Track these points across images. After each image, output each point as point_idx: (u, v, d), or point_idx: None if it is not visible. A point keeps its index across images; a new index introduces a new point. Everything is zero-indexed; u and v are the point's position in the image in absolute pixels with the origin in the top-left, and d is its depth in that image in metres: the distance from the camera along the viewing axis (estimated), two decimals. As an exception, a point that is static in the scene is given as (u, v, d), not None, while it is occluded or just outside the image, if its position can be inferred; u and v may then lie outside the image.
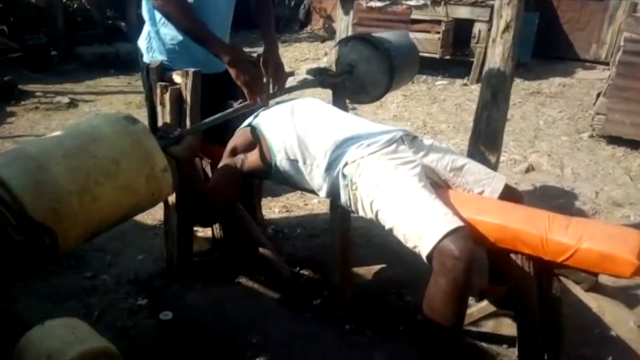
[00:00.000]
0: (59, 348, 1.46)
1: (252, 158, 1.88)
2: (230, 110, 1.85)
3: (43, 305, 2.01)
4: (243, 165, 1.89)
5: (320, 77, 2.23)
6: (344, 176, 1.64)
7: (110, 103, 4.73)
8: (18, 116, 4.25)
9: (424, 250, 1.44)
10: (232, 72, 1.79)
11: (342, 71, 2.31)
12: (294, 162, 1.77)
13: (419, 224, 1.47)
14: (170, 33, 2.01)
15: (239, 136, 1.94)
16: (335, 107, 2.06)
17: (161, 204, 2.27)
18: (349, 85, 2.32)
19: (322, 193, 1.75)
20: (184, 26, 1.82)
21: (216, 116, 1.83)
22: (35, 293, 2.08)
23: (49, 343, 1.48)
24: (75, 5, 6.33)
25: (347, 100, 2.44)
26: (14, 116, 4.24)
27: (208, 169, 2.18)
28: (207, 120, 1.82)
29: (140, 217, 2.70)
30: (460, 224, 1.44)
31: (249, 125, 1.92)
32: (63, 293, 2.09)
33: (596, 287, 1.49)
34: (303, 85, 2.19)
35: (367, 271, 2.29)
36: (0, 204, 1.28)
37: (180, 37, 1.99)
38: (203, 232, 2.47)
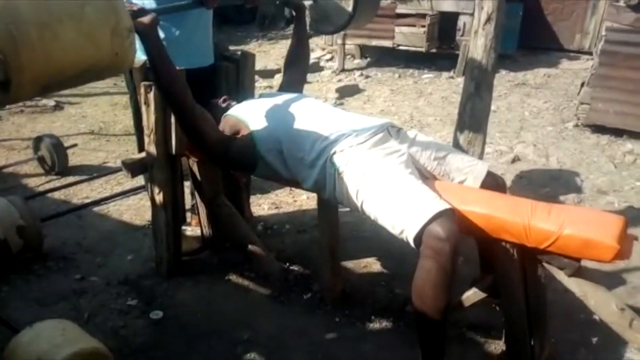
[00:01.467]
0: (48, 350, 1.47)
1: (238, 141, 1.87)
2: None
3: (32, 308, 2.01)
4: (231, 140, 1.88)
5: None
6: (332, 165, 1.66)
7: (96, 105, 4.71)
8: (3, 120, 4.21)
9: (410, 234, 1.46)
10: None
11: None
12: (278, 152, 1.78)
13: (406, 208, 1.49)
14: (149, 3, 2.00)
15: (225, 122, 1.95)
16: (323, 103, 2.07)
17: (148, 204, 2.27)
18: (312, 13, 2.29)
19: (307, 184, 1.76)
20: None
21: (183, 2, 1.81)
22: (24, 296, 2.08)
23: (38, 345, 1.49)
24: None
25: (310, 30, 2.38)
26: (-1, 120, 4.20)
27: (195, 168, 2.19)
28: (176, 3, 1.80)
29: (129, 218, 2.71)
30: (447, 206, 1.46)
31: (233, 116, 1.92)
32: (52, 296, 2.09)
33: (579, 272, 1.51)
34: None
35: (356, 265, 2.31)
36: None
37: (162, 35, 1.98)
38: (192, 230, 2.47)
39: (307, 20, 2.32)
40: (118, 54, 1.34)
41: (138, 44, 2.00)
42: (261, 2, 2.00)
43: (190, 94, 1.85)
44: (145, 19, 1.68)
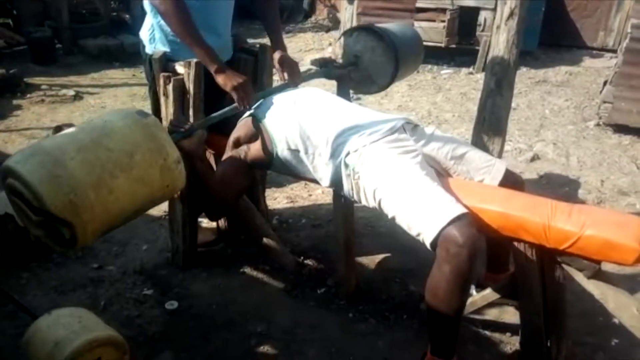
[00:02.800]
0: (66, 336, 1.49)
1: (254, 148, 1.88)
2: (233, 106, 1.87)
3: (50, 296, 2.04)
4: (247, 156, 1.90)
5: (325, 69, 2.23)
6: (346, 165, 1.64)
7: (115, 95, 4.75)
8: (24, 109, 4.27)
9: (427, 237, 1.45)
10: (220, 80, 1.86)
11: (347, 62, 2.30)
12: (295, 151, 1.77)
13: (423, 212, 1.47)
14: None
15: (242, 127, 1.95)
16: (337, 97, 2.06)
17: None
18: (354, 76, 2.32)
19: (325, 182, 1.75)
20: (177, 28, 1.88)
21: (225, 110, 1.86)
22: (43, 284, 2.11)
23: (56, 332, 1.51)
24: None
25: (352, 91, 2.43)
26: (20, 109, 4.26)
27: (212, 160, 2.19)
28: (215, 114, 1.85)
29: (146, 208, 2.73)
30: (464, 210, 1.44)
31: (250, 115, 1.93)
32: (70, 284, 2.11)
33: (599, 275, 1.49)
34: (309, 77, 2.19)
35: (371, 260, 2.30)
36: (20, 200, 1.32)
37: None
38: (207, 222, 2.48)
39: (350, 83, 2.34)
40: (169, 185, 1.46)
41: (158, 34, 2.03)
42: (300, 82, 2.07)
43: (216, 179, 1.89)
44: (194, 140, 1.75)
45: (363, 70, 2.31)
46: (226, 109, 1.86)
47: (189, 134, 1.74)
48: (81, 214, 1.29)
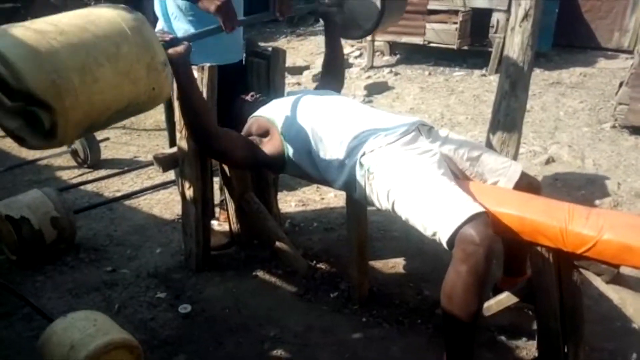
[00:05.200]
0: (81, 339, 1.50)
1: (265, 145, 1.86)
2: (216, 26, 1.81)
3: (65, 298, 2.06)
4: (257, 147, 1.86)
5: (311, 5, 2.20)
6: (361, 166, 1.64)
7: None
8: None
9: (444, 236, 1.43)
10: (201, 4, 1.78)
11: (333, 1, 2.27)
12: (307, 153, 1.77)
13: (439, 210, 1.46)
14: (183, 27, 2.03)
15: (252, 124, 1.93)
16: (351, 100, 2.05)
17: (178, 199, 2.30)
18: (339, 18, 2.28)
19: (337, 184, 1.74)
20: None
21: (209, 28, 1.80)
22: (58, 287, 2.13)
23: (71, 335, 1.52)
24: (92, 3, 6.39)
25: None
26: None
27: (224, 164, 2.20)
28: (201, 30, 1.80)
29: (159, 212, 2.75)
30: (481, 209, 1.43)
31: (261, 115, 1.92)
32: (84, 287, 2.13)
33: (617, 279, 1.46)
34: (295, 10, 2.09)
35: (384, 265, 2.29)
36: None
37: (193, 30, 2.00)
38: (220, 226, 2.49)
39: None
40: (155, 88, 1.37)
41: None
42: (290, 14, 1.99)
43: (214, 121, 1.82)
44: (179, 49, 1.63)
45: (348, 12, 2.27)
46: (211, 27, 1.80)
47: (174, 44, 1.64)
48: (64, 98, 1.17)
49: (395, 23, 2.55)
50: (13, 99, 1.17)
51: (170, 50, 1.59)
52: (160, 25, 2.08)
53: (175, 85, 1.94)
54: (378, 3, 2.21)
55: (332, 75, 2.26)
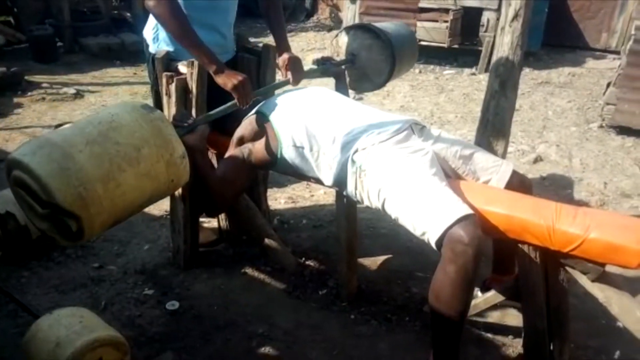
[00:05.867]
0: (67, 336, 1.48)
1: (258, 147, 1.88)
2: (233, 102, 1.87)
3: (51, 295, 2.04)
4: (250, 155, 1.89)
5: (323, 67, 2.23)
6: (353, 163, 1.64)
7: (116, 94, 4.74)
8: (25, 107, 4.26)
9: (433, 236, 1.44)
10: (219, 80, 1.86)
11: (344, 60, 2.31)
12: (300, 149, 1.77)
13: (429, 210, 1.47)
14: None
15: (246, 125, 1.94)
16: (344, 97, 2.05)
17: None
18: (351, 73, 2.33)
19: (328, 181, 1.74)
20: (174, 31, 1.89)
21: (225, 106, 1.85)
22: (44, 283, 2.10)
23: (57, 332, 1.50)
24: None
25: (352, 91, 2.43)
26: (21, 107, 4.25)
27: (214, 160, 2.19)
28: (216, 110, 1.84)
29: (147, 208, 2.72)
30: (470, 211, 1.44)
31: (256, 112, 1.92)
32: (71, 283, 2.11)
33: (603, 278, 1.48)
34: (308, 74, 2.19)
35: (373, 262, 2.29)
36: (26, 193, 1.31)
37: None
38: (209, 222, 2.47)
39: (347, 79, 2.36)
40: (174, 180, 1.47)
41: (162, 33, 2.02)
42: (302, 79, 2.09)
43: (217, 177, 1.89)
44: (196, 136, 1.76)
45: (360, 68, 2.32)
46: (227, 105, 1.86)
47: (192, 129, 1.74)
48: (89, 208, 1.28)
49: (408, 70, 2.60)
50: (43, 207, 1.29)
51: (189, 138, 1.70)
52: (153, 21, 2.03)
53: (164, 81, 1.94)
54: (389, 61, 2.25)
55: None
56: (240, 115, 1.98)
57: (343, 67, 2.30)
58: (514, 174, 1.72)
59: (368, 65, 2.30)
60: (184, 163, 1.47)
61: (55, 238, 1.37)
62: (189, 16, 1.89)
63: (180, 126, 1.69)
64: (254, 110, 1.95)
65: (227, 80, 1.84)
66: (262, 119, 1.88)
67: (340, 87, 2.29)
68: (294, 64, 2.04)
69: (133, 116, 1.42)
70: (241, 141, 1.94)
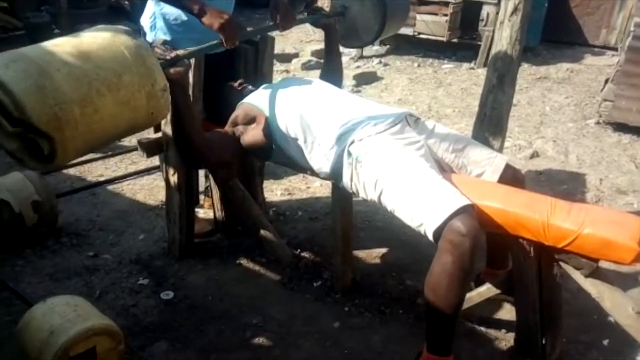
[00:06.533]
0: (61, 325, 1.49)
1: (252, 132, 1.86)
2: (217, 41, 1.80)
3: (45, 283, 2.03)
4: (242, 135, 1.87)
5: (313, 16, 2.21)
6: (349, 154, 1.63)
7: (113, 83, 4.71)
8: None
9: (430, 228, 1.44)
10: (205, 21, 1.78)
11: (334, 12, 2.29)
12: (294, 140, 1.76)
13: (426, 202, 1.47)
14: (174, 12, 2.00)
15: (241, 110, 1.92)
16: (340, 89, 2.04)
17: (162, 185, 2.28)
18: (340, 27, 2.30)
19: (323, 173, 1.74)
20: None
21: (212, 43, 1.79)
22: (38, 271, 2.10)
23: (51, 320, 1.51)
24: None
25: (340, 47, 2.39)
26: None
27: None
28: (201, 46, 1.77)
29: (142, 198, 2.72)
30: (468, 202, 1.44)
31: (251, 103, 1.91)
32: (65, 272, 2.11)
33: (596, 273, 1.49)
34: (297, 22, 2.11)
35: (368, 254, 2.30)
36: None
37: (184, 17, 1.97)
38: (204, 213, 2.47)
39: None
40: (154, 113, 1.40)
41: (159, 22, 2.01)
42: (292, 26, 2.05)
43: (202, 134, 1.80)
44: (180, 69, 1.63)
45: (349, 21, 2.30)
46: (211, 43, 1.79)
47: (174, 63, 1.63)
48: (64, 130, 1.20)
49: (394, 32, 2.57)
50: (14, 124, 1.20)
51: (171, 70, 1.59)
52: (151, 9, 2.03)
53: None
54: (379, 16, 2.22)
55: (330, 82, 2.25)
56: (232, 103, 1.96)
57: (333, 19, 2.26)
58: (507, 167, 1.73)
59: (358, 21, 2.28)
60: (165, 97, 1.41)
61: (24, 159, 1.29)
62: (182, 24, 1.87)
63: (163, 59, 1.59)
64: (246, 99, 1.93)
65: (213, 20, 1.76)
66: (256, 109, 1.87)
67: (330, 40, 2.24)
68: (285, 11, 1.99)
69: (117, 41, 1.34)
70: (235, 123, 1.92)
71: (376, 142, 1.60)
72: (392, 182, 1.55)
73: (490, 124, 2.30)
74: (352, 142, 1.63)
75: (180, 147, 1.83)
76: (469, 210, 1.42)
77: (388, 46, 6.11)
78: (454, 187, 1.50)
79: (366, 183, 1.61)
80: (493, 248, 1.91)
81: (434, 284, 1.45)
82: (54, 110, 1.18)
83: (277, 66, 5.17)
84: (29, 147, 1.25)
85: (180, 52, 1.65)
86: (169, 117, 1.95)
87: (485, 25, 5.39)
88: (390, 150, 1.59)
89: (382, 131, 1.63)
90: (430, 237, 1.45)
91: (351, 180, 1.65)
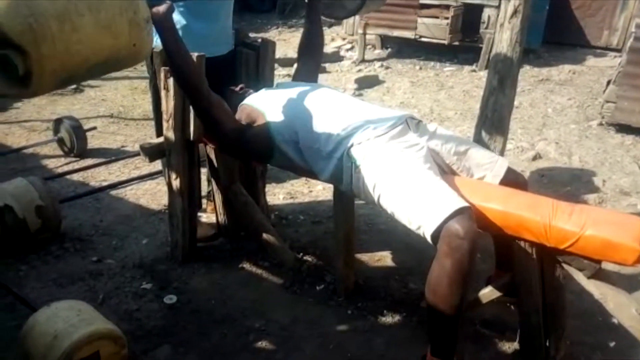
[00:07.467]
0: (65, 329, 1.49)
1: (254, 130, 1.86)
2: None
3: (49, 288, 2.04)
4: (247, 129, 1.87)
5: None
6: (349, 158, 1.64)
7: (115, 88, 4.74)
8: (24, 101, 4.26)
9: (428, 230, 1.44)
10: None
11: None
12: (295, 143, 1.77)
13: (424, 204, 1.47)
14: (174, 17, 2.00)
15: (241, 111, 1.94)
16: (340, 93, 2.05)
17: (165, 189, 2.29)
18: None
19: (323, 176, 1.74)
20: None
21: None
22: (42, 276, 2.11)
23: (55, 324, 1.51)
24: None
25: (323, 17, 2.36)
26: (20, 101, 4.25)
27: (212, 155, 2.19)
28: None
29: (145, 202, 2.73)
30: (466, 204, 1.44)
31: (251, 106, 1.91)
32: (69, 277, 2.11)
33: (599, 274, 1.48)
34: None
35: (370, 258, 2.30)
36: None
37: (184, 21, 1.98)
38: (207, 217, 2.48)
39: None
40: (136, 45, 1.33)
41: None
42: None
43: (206, 82, 1.83)
44: (161, 7, 1.65)
45: None
46: None
47: (156, 3, 1.64)
48: (40, 44, 1.12)
49: (379, 7, 2.53)
50: None
51: (153, 10, 1.60)
52: None
53: (162, 75, 1.94)
54: None
55: (309, 54, 2.23)
56: (233, 107, 1.96)
57: None
58: (509, 170, 1.72)
59: None
60: (148, 29, 1.36)
61: None
62: (185, 6, 1.88)
63: None
64: (246, 101, 1.94)
65: None
66: (256, 112, 1.87)
67: (313, 10, 2.21)
68: None
69: None
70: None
71: (375, 145, 1.61)
72: (390, 185, 1.55)
73: (492, 126, 2.30)
74: (352, 146, 1.63)
75: (184, 87, 1.86)
76: (467, 212, 1.42)
77: (390, 49, 6.13)
78: (452, 189, 1.50)
79: (365, 186, 1.61)
80: (501, 251, 1.90)
81: (434, 287, 1.45)
82: (28, 20, 1.10)
83: (279, 70, 5.19)
84: (3, 67, 1.17)
85: None
86: (171, 122, 1.97)
87: (486, 28, 5.39)
88: (389, 153, 1.59)
89: (381, 134, 1.63)
90: (429, 239, 1.45)
91: (351, 183, 1.66)
